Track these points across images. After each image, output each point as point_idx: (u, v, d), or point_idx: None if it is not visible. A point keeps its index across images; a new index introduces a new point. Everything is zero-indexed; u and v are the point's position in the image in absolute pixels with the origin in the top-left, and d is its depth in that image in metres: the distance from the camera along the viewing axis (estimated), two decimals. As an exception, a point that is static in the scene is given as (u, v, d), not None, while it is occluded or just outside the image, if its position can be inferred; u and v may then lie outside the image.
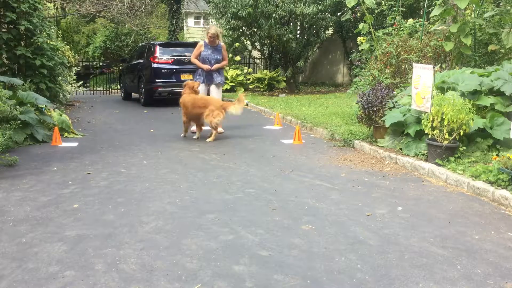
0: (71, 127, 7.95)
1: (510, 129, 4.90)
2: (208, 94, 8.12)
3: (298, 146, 6.97)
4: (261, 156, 6.25)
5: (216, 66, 7.95)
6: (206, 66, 7.92)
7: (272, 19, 13.42)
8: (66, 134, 7.74)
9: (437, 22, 7.76)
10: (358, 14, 9.14)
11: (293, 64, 15.10)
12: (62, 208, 4.13)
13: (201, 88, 7.95)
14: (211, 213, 4.01)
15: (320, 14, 13.70)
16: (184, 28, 24.78)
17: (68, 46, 13.75)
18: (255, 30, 14.17)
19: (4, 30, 9.07)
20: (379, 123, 6.52)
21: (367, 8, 8.52)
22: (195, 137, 7.62)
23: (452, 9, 6.99)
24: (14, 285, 2.76)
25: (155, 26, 25.06)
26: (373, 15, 9.63)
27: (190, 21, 25.35)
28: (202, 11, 23.35)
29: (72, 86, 12.99)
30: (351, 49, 13.56)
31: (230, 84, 15.15)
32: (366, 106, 6.58)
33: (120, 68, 17.12)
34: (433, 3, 7.27)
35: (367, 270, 2.95)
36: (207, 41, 8.02)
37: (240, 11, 13.30)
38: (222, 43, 8.17)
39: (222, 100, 13.42)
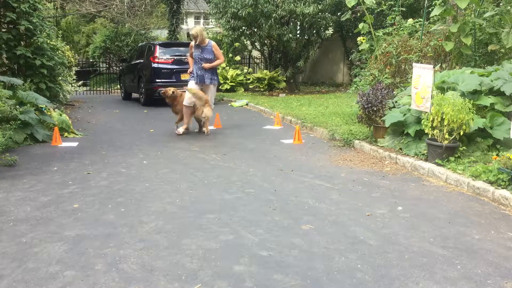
0: (71, 127, 7.95)
1: (510, 129, 4.90)
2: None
3: (298, 146, 6.98)
4: (261, 156, 6.25)
5: (206, 65, 7.82)
6: (191, 69, 7.95)
7: (272, 19, 13.42)
8: (66, 134, 7.74)
9: (437, 22, 7.75)
10: (358, 14, 9.13)
11: (293, 64, 15.10)
12: (62, 208, 4.13)
13: (193, 84, 7.89)
14: (211, 213, 4.01)
15: (320, 14, 13.70)
16: (184, 28, 24.76)
17: (68, 46, 13.74)
18: (255, 30, 14.17)
19: (4, 30, 9.07)
20: (379, 123, 6.52)
21: (367, 8, 8.52)
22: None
23: (452, 9, 6.99)
24: (14, 285, 2.76)
25: (155, 26, 25.05)
26: (373, 15, 9.63)
27: (190, 21, 25.37)
28: (202, 11, 23.37)
29: (72, 86, 12.99)
30: (351, 49, 13.55)
31: (230, 84, 15.15)
32: (366, 106, 6.58)
33: (120, 68, 17.13)
34: (433, 3, 7.26)
35: (367, 270, 2.95)
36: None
37: (240, 11, 13.30)
38: (212, 42, 8.01)
39: (223, 99, 13.52)
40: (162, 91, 8.30)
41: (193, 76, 7.94)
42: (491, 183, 4.45)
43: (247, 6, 13.20)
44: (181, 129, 7.91)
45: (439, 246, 3.33)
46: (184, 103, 7.84)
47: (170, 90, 8.23)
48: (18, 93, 7.39)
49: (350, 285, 2.76)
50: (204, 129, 7.94)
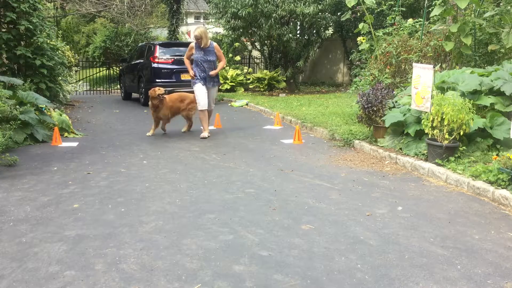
0: (71, 127, 7.95)
1: (510, 129, 4.90)
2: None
3: (298, 146, 6.98)
4: (261, 156, 6.25)
5: (213, 73, 7.68)
6: (191, 73, 7.74)
7: (272, 19, 13.42)
8: (66, 134, 7.75)
9: (437, 22, 7.75)
10: (358, 14, 9.13)
11: (293, 64, 15.10)
12: (62, 208, 4.13)
13: (201, 87, 7.83)
14: (211, 213, 4.01)
15: (320, 13, 13.71)
16: (185, 28, 24.76)
17: (68, 46, 13.75)
18: (255, 30, 14.17)
19: (4, 30, 9.07)
20: (379, 123, 6.52)
21: (367, 8, 8.52)
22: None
23: (452, 9, 6.99)
24: (14, 285, 2.76)
25: (155, 26, 25.07)
26: (373, 15, 9.63)
27: (190, 21, 25.35)
28: (202, 11, 23.37)
29: (72, 86, 13.00)
30: (351, 49, 13.56)
31: (230, 84, 15.15)
32: (366, 106, 6.58)
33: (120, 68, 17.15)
34: (433, 3, 7.26)
35: (367, 270, 2.95)
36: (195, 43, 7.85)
37: (240, 11, 13.30)
38: (214, 43, 7.88)
39: (223, 99, 13.51)
40: (150, 90, 7.79)
41: (198, 78, 7.77)
42: (491, 183, 4.45)
43: (247, 6, 13.21)
44: (205, 133, 7.68)
45: (439, 246, 3.33)
46: (201, 107, 7.69)
47: (159, 90, 7.75)
48: (18, 93, 7.39)
49: (350, 285, 2.76)
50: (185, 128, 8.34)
